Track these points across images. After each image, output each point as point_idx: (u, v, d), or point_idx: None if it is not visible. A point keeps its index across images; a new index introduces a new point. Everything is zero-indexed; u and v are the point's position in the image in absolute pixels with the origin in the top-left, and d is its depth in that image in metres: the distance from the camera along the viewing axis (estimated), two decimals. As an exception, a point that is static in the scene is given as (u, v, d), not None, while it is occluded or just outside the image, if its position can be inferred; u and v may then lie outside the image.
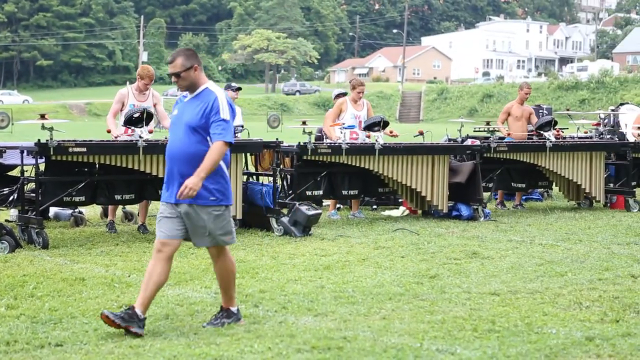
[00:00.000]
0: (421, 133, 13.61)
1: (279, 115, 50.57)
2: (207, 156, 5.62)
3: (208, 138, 5.68)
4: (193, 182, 5.55)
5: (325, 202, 13.04)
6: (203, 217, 5.70)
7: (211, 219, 5.71)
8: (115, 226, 10.53)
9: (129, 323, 5.49)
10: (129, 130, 10.12)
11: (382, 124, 11.54)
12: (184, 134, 5.71)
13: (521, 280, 7.48)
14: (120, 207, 11.19)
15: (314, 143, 10.96)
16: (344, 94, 13.38)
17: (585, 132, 15.84)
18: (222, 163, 5.74)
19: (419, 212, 12.27)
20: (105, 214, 11.38)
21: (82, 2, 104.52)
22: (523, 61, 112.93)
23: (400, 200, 12.62)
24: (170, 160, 5.78)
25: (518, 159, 12.67)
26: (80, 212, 11.10)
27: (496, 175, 12.74)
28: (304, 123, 11.87)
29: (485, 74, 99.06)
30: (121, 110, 10.54)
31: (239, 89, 13.15)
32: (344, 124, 11.91)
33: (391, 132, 12.19)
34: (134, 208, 11.62)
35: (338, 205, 12.93)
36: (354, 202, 12.21)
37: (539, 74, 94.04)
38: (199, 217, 5.69)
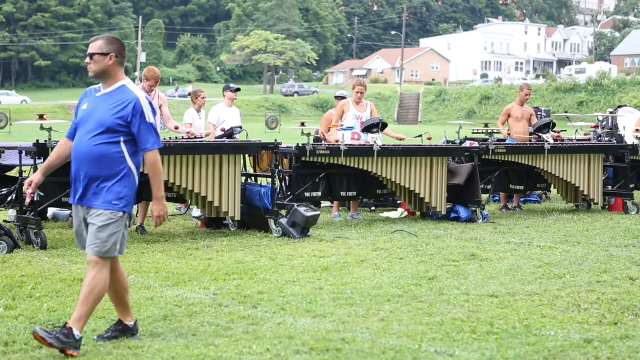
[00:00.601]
0: (429, 138, 13.56)
1: (277, 116, 50.62)
2: (151, 172, 5.34)
3: (121, 139, 5.26)
4: (159, 209, 5.42)
5: (324, 204, 13.05)
6: (95, 221, 5.23)
7: (105, 225, 5.23)
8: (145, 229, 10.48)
9: (65, 345, 5.05)
10: None
11: (380, 126, 11.55)
12: (94, 132, 5.24)
13: (519, 282, 7.49)
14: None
15: (312, 144, 10.96)
16: (344, 97, 13.39)
17: (586, 134, 15.85)
18: (132, 166, 5.33)
19: (418, 213, 12.28)
20: None
21: (80, 2, 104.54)
22: (521, 63, 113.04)
23: (398, 201, 12.63)
24: (77, 160, 5.30)
25: (516, 160, 12.68)
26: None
27: (494, 177, 12.75)
28: (302, 124, 11.89)
29: (484, 75, 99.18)
30: None
31: (238, 89, 13.15)
32: (342, 125, 11.92)
33: (398, 138, 12.33)
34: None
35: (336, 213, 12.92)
36: (352, 204, 12.21)
37: (537, 76, 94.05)
38: (96, 220, 5.23)
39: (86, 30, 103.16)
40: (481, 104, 67.97)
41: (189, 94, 13.14)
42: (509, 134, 13.68)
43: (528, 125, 13.65)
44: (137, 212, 10.63)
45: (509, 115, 13.79)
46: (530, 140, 13.36)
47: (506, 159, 12.62)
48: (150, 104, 5.37)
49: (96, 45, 5.33)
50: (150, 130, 5.30)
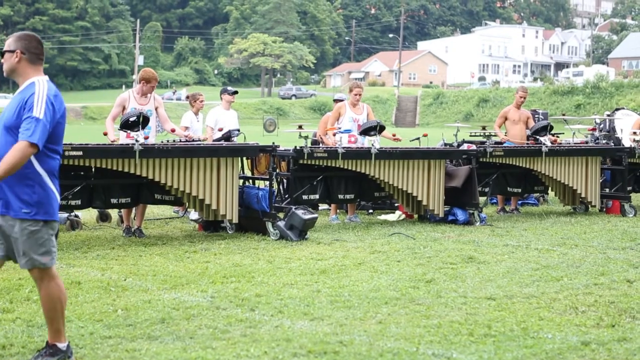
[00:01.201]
0: (425, 135, 13.57)
1: (275, 119, 50.61)
2: (5, 156, 4.74)
3: None
4: None
5: (322, 207, 13.05)
6: (16, 233, 4.85)
7: (25, 236, 4.83)
8: (132, 231, 10.49)
9: None
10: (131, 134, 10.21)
11: (378, 129, 11.55)
12: (2, 134, 4.89)
13: (517, 284, 7.49)
14: (116, 210, 11.22)
15: (310, 147, 10.96)
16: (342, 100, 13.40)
17: (586, 136, 15.85)
18: (42, 170, 4.87)
19: (415, 216, 12.28)
20: (101, 218, 11.35)
21: (78, 5, 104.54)
22: (519, 66, 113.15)
23: (396, 204, 12.63)
24: None
25: (514, 163, 12.69)
26: (76, 216, 11.09)
27: (492, 179, 12.76)
28: (300, 127, 11.87)
29: (481, 78, 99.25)
30: (121, 113, 10.58)
31: (236, 92, 13.15)
32: (340, 127, 11.94)
33: (394, 135, 12.26)
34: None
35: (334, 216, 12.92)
36: (350, 206, 12.21)
37: (535, 79, 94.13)
38: (12, 231, 4.86)
39: (84, 34, 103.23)
40: (479, 107, 67.99)
41: (187, 97, 13.11)
42: (506, 137, 13.67)
43: (525, 128, 13.65)
44: (135, 216, 10.64)
45: (505, 118, 13.78)
46: (527, 144, 13.36)
47: (504, 162, 12.63)
48: (51, 102, 4.92)
49: (6, 43, 5.10)
50: (29, 122, 4.76)
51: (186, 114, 12.87)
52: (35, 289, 6.96)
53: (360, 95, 12.30)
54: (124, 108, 10.53)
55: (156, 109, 10.72)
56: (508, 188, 13.19)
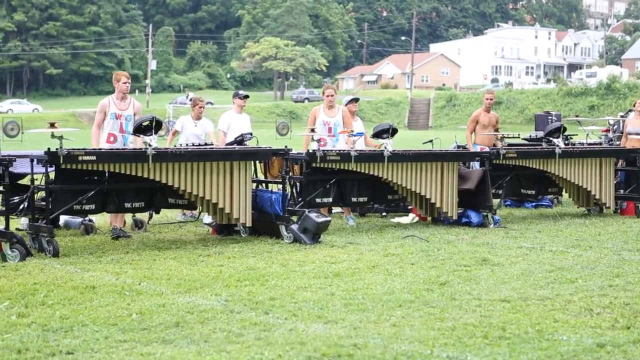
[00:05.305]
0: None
1: (287, 122, 50.63)
2: None
3: None
4: None
5: (335, 210, 13.05)
6: None
7: None
8: (124, 232, 10.62)
9: None
10: (111, 138, 10.56)
11: (390, 131, 11.55)
12: None
13: (531, 287, 7.47)
14: (130, 215, 11.26)
15: (322, 150, 10.96)
16: (356, 100, 13.44)
17: (600, 138, 15.81)
18: None
19: (429, 219, 12.27)
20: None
21: (91, 11, 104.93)
22: (532, 68, 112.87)
23: (409, 207, 12.62)
24: None
25: (527, 165, 12.66)
26: (90, 220, 11.13)
27: (505, 181, 12.73)
28: (312, 130, 11.89)
29: (494, 80, 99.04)
30: (103, 121, 10.76)
31: (247, 96, 13.20)
32: (352, 131, 11.93)
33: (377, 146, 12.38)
34: (143, 216, 11.67)
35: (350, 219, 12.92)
36: (346, 208, 12.19)
37: (548, 81, 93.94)
38: None
39: (97, 39, 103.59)
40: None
41: (190, 100, 13.16)
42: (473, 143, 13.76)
43: (495, 131, 13.75)
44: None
45: (477, 123, 13.90)
46: (494, 145, 13.40)
47: (517, 164, 12.60)
48: None
49: None
50: None
51: (181, 118, 12.92)
52: (51, 294, 7.00)
53: (331, 97, 12.33)
54: (105, 114, 10.70)
55: (134, 115, 10.83)
56: (521, 190, 13.16)
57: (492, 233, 11.13)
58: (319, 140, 11.61)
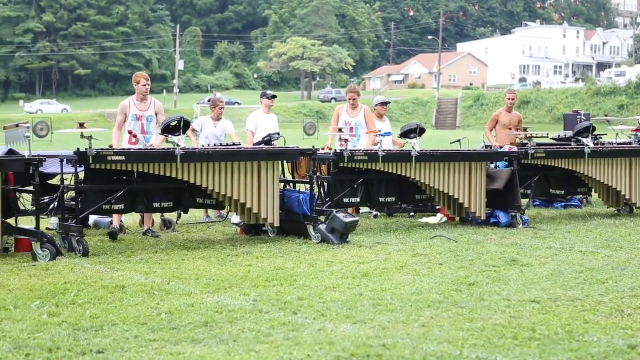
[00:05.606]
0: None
1: (315, 122, 50.66)
2: None
3: None
4: None
5: (363, 210, 13.04)
6: None
7: None
8: (153, 232, 10.71)
9: None
10: (133, 139, 10.62)
11: (418, 131, 11.53)
12: None
13: (561, 287, 7.42)
14: (158, 215, 11.32)
15: (350, 150, 10.95)
16: (386, 103, 13.46)
17: (629, 137, 15.66)
18: None
19: (457, 219, 12.22)
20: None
21: (119, 11, 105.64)
22: (560, 67, 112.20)
23: (437, 207, 12.58)
24: None
25: (556, 165, 12.58)
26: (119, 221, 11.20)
27: (534, 182, 12.66)
28: (340, 130, 11.88)
29: (522, 80, 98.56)
30: (124, 122, 10.84)
31: (275, 96, 13.22)
32: (380, 131, 11.92)
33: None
34: (172, 216, 11.72)
35: (375, 213, 12.93)
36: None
37: (577, 80, 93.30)
38: None
39: (125, 39, 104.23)
40: (520, 109, 67.42)
41: (209, 101, 13.10)
42: (497, 143, 13.65)
43: (516, 131, 13.65)
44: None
45: (497, 122, 13.81)
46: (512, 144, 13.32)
47: (546, 164, 12.53)
48: None
49: None
50: None
51: (200, 118, 12.86)
52: (81, 293, 7.05)
53: (354, 99, 12.47)
54: (125, 115, 10.75)
55: (156, 114, 10.86)
56: (550, 190, 13.08)
57: (521, 233, 11.07)
58: (346, 140, 11.60)
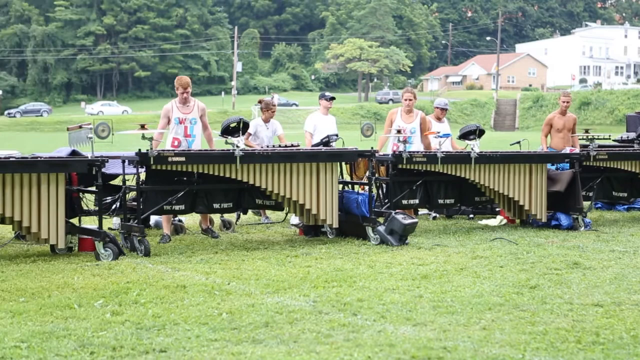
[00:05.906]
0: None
1: (372, 124, 50.55)
2: None
3: None
4: None
5: (422, 212, 12.98)
6: None
7: None
8: (213, 232, 10.80)
9: None
10: (175, 142, 10.62)
11: (477, 133, 11.44)
12: None
13: (625, 291, 7.30)
14: (218, 215, 11.41)
15: (409, 152, 10.92)
16: (445, 109, 13.39)
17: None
18: None
19: (517, 221, 12.09)
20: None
21: (177, 14, 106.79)
22: (621, 67, 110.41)
23: (497, 209, 12.47)
24: None
25: (619, 167, 12.38)
26: (180, 221, 11.31)
27: (596, 184, 12.47)
28: (398, 132, 11.84)
29: (582, 80, 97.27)
30: (168, 125, 10.86)
31: (333, 98, 13.23)
32: (439, 132, 11.85)
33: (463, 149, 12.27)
34: (231, 216, 11.80)
35: (434, 214, 12.87)
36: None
37: (638, 81, 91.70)
38: None
39: (184, 42, 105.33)
40: (580, 110, 66.65)
41: (259, 102, 12.93)
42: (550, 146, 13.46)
43: (572, 133, 13.38)
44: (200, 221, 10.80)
45: (551, 126, 13.56)
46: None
47: (608, 166, 12.34)
48: None
49: None
50: None
51: (253, 121, 12.83)
52: (143, 292, 7.14)
53: (409, 101, 12.24)
54: (168, 118, 10.76)
55: (200, 117, 10.84)
56: (613, 192, 12.87)
57: (582, 236, 10.93)
58: (404, 142, 11.55)
